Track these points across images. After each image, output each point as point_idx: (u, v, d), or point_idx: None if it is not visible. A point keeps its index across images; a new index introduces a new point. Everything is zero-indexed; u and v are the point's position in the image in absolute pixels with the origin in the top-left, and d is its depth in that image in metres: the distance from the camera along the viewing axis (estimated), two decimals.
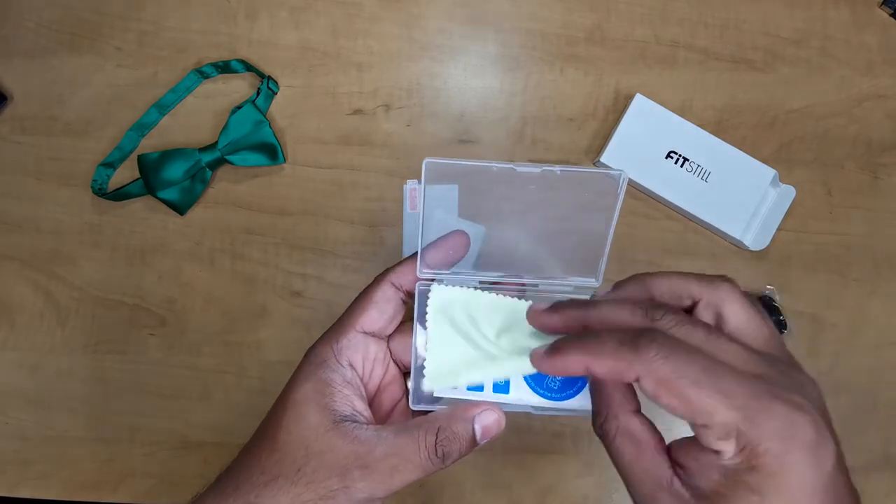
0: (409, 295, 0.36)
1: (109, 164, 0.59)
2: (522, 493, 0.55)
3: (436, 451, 0.31)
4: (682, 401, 0.25)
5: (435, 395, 0.34)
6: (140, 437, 0.57)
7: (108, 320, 0.58)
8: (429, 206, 0.34)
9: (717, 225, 0.56)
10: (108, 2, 0.61)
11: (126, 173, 0.59)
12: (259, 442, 0.33)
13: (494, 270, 0.36)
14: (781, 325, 0.55)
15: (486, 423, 0.32)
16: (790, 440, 0.24)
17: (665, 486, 0.26)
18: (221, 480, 0.33)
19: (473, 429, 0.32)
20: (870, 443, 0.55)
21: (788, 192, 0.56)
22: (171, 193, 0.57)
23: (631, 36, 0.59)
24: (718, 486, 0.25)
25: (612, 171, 0.33)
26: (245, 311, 0.58)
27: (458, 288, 0.36)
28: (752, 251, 0.56)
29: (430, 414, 0.33)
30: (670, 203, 0.57)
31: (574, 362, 0.27)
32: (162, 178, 0.56)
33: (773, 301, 0.56)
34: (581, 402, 0.34)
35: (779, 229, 0.56)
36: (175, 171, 0.56)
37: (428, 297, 0.35)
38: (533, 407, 0.34)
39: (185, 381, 0.57)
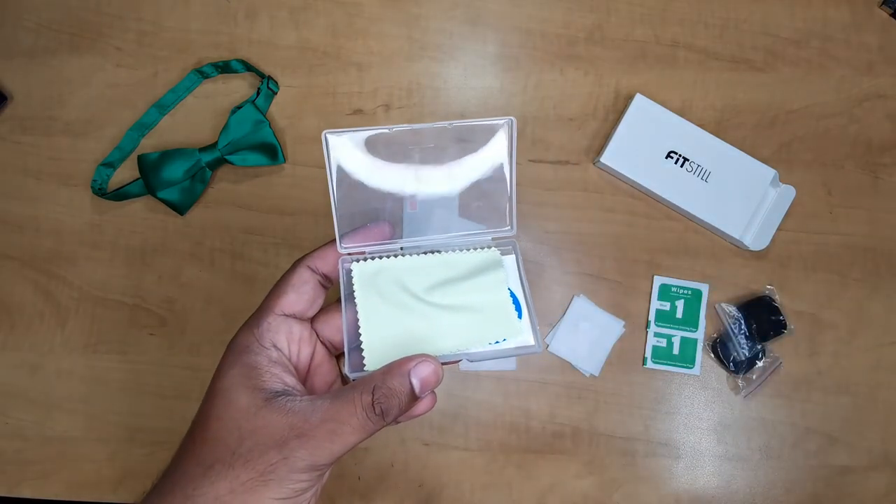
0: (326, 278, 0.37)
1: (109, 164, 0.59)
2: (522, 493, 0.55)
3: (374, 408, 0.30)
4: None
5: None
6: (140, 437, 0.57)
7: (108, 320, 0.58)
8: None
9: (717, 225, 0.56)
10: (108, 2, 0.61)
11: (126, 173, 0.59)
12: (191, 437, 0.32)
13: (414, 235, 0.37)
14: (781, 325, 0.55)
15: (423, 374, 0.31)
16: None
17: None
18: (158, 483, 0.32)
19: (410, 382, 0.31)
20: (870, 443, 0.55)
21: (788, 192, 0.56)
22: (171, 193, 0.57)
23: (631, 36, 0.59)
24: None
25: (499, 119, 0.35)
26: (245, 311, 0.57)
27: (378, 259, 0.36)
28: (752, 251, 0.56)
29: (365, 375, 0.32)
30: (670, 203, 0.57)
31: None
32: (162, 178, 0.56)
33: (773, 301, 0.56)
34: (516, 342, 0.35)
35: (779, 229, 0.56)
36: (175, 171, 0.56)
37: (352, 274, 0.36)
38: (467, 355, 0.35)
39: (185, 381, 0.57)
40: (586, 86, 0.59)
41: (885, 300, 0.57)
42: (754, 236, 0.56)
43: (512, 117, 0.35)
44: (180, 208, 0.57)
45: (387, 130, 0.35)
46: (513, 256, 0.38)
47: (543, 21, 0.60)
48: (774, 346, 0.56)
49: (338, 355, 0.38)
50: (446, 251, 0.37)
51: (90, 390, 0.57)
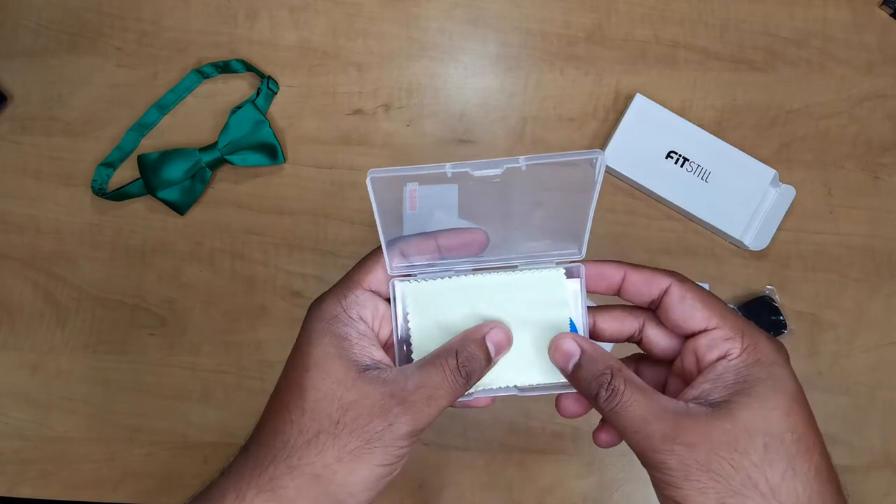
0: (413, 265, 0.36)
1: (109, 164, 0.59)
2: (522, 493, 0.55)
3: (460, 372, 0.32)
4: (704, 306, 0.32)
5: None
6: (140, 437, 0.57)
7: (108, 320, 0.58)
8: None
9: (717, 225, 0.56)
10: (108, 2, 0.61)
11: (126, 173, 0.59)
12: (284, 406, 0.32)
13: (476, 256, 0.35)
14: (781, 325, 0.55)
15: (497, 338, 0.33)
16: (779, 350, 0.31)
17: (685, 412, 0.30)
18: (250, 451, 0.32)
19: (487, 346, 0.33)
20: (870, 443, 0.55)
21: (788, 192, 0.56)
22: (171, 193, 0.57)
23: (631, 36, 0.59)
24: (733, 388, 0.30)
25: (585, 156, 0.30)
26: (245, 311, 0.58)
27: (433, 280, 0.35)
28: (752, 251, 0.56)
29: (442, 345, 0.34)
30: (670, 203, 0.57)
31: (614, 270, 0.34)
32: (162, 178, 0.56)
33: (773, 301, 0.56)
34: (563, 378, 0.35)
35: (779, 229, 0.56)
36: (175, 171, 0.56)
37: (406, 296, 0.35)
38: (518, 388, 0.35)
39: (185, 381, 0.57)
40: (586, 86, 0.59)
41: (885, 300, 0.57)
42: (754, 236, 0.56)
43: (600, 152, 0.30)
44: (180, 208, 0.57)
45: (442, 171, 0.31)
46: (577, 281, 0.35)
47: (543, 21, 0.60)
48: None
49: None
50: (504, 271, 0.35)
51: (90, 390, 0.57)
